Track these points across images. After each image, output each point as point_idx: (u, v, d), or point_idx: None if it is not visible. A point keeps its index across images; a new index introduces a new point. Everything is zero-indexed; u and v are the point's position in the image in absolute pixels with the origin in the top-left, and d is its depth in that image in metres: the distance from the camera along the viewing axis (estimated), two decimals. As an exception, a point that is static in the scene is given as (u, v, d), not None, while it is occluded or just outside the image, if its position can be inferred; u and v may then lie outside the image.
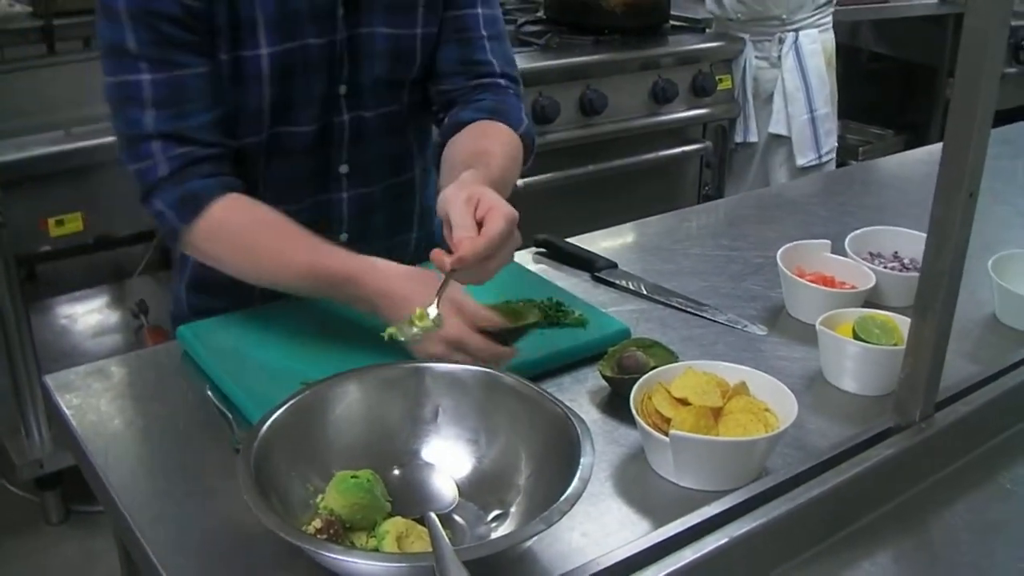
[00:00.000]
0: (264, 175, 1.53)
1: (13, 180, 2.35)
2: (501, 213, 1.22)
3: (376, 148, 1.60)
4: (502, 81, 1.62)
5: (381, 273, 1.34)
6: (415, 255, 1.66)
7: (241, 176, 1.48)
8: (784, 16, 3.34)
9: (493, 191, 1.27)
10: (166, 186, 1.40)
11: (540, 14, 3.56)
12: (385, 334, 1.24)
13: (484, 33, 1.62)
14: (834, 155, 3.47)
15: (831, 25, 3.45)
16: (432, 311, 1.22)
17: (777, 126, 3.43)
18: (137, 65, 1.38)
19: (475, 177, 1.32)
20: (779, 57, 3.38)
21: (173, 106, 1.39)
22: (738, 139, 3.52)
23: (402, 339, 1.23)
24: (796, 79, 3.36)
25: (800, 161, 3.40)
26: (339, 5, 1.47)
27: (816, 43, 3.37)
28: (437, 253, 1.21)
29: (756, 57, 3.42)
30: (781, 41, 3.37)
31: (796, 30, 3.35)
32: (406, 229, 1.71)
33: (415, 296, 1.26)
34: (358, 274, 1.34)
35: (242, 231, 1.43)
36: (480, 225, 1.22)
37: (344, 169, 1.58)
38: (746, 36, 3.42)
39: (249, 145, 1.50)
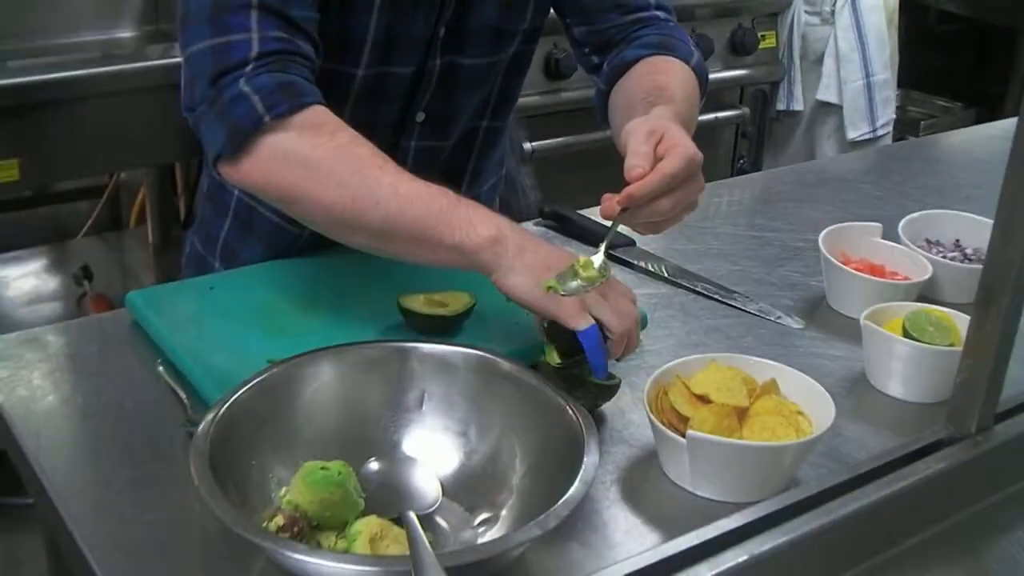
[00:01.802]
0: (349, 113, 1.51)
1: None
2: (681, 151, 1.27)
3: (458, 99, 1.63)
4: (660, 13, 1.66)
5: (499, 218, 1.30)
6: None
7: None
8: None
9: (681, 128, 1.31)
10: (258, 69, 1.32)
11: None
12: (543, 286, 1.22)
13: None
14: (891, 128, 3.48)
15: None
16: (598, 260, 1.23)
17: (827, 92, 3.43)
18: None
19: (663, 112, 1.37)
20: (832, 12, 3.38)
21: None
22: (780, 107, 3.52)
23: (562, 293, 1.21)
24: (851, 38, 3.36)
25: (851, 134, 3.41)
26: None
27: None
28: (607, 197, 1.25)
29: (807, 11, 3.42)
30: None
31: None
32: (455, 187, 1.71)
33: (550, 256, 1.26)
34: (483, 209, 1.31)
35: (347, 140, 1.34)
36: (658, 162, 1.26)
37: (420, 117, 1.61)
38: None
39: (343, 80, 1.51)
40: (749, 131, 3.58)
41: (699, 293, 1.61)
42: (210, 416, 1.08)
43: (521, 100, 2.90)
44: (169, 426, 1.25)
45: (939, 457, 1.20)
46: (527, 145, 3.03)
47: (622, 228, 1.63)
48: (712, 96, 3.38)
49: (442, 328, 1.36)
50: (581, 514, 1.02)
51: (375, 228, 1.31)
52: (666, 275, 1.65)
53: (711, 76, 3.27)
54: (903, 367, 1.38)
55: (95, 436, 1.27)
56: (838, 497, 1.13)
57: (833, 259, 1.58)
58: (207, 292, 1.48)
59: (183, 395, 1.29)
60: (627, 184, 1.26)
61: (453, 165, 1.71)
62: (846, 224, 1.65)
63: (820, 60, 3.44)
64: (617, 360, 1.27)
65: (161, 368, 1.34)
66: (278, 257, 1.60)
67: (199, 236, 1.77)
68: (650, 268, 1.67)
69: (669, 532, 1.11)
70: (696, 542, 1.05)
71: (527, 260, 1.24)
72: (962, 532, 1.21)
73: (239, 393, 1.12)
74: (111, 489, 1.17)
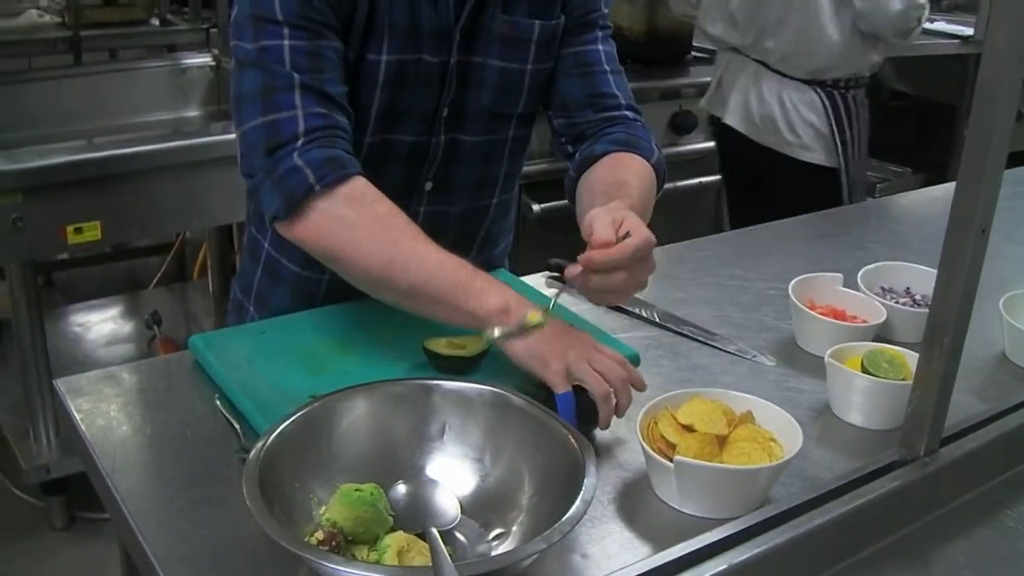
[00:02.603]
0: None
1: (34, 187, 2.37)
2: (642, 233, 1.28)
3: (464, 172, 1.63)
4: (629, 114, 1.65)
5: (508, 291, 1.31)
6: None
7: None
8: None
9: (637, 218, 1.32)
10: (308, 144, 1.35)
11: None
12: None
13: (607, 68, 1.65)
14: None
15: None
16: (539, 312, 1.26)
17: None
18: (280, 31, 1.38)
19: (620, 205, 1.36)
20: None
21: (312, 71, 1.38)
22: None
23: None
24: None
25: None
26: (456, 30, 1.50)
27: None
28: (574, 266, 1.26)
29: None
30: None
31: None
32: (466, 251, 1.67)
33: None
34: (497, 284, 1.32)
35: (386, 211, 1.36)
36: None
37: (428, 186, 1.61)
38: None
39: (354, 146, 1.49)
40: (729, 194, 3.58)
41: (685, 335, 1.61)
42: (260, 444, 1.08)
43: (531, 168, 2.95)
44: (225, 453, 1.25)
45: (892, 477, 1.19)
46: (536, 207, 3.04)
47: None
48: (696, 164, 3.42)
49: (461, 368, 1.35)
50: (582, 529, 1.01)
51: (403, 290, 1.33)
52: (656, 320, 1.64)
53: (696, 146, 3.32)
54: (862, 399, 1.37)
55: (162, 461, 1.27)
56: (806, 513, 1.12)
57: (801, 305, 1.57)
58: (259, 336, 1.47)
59: (237, 426, 1.28)
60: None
61: (466, 231, 1.70)
62: (812, 275, 1.65)
63: None
64: (617, 417, 1.27)
65: (218, 402, 1.34)
66: (304, 303, 1.60)
67: (239, 285, 1.76)
68: (642, 314, 1.66)
69: (659, 545, 1.10)
70: (682, 553, 1.04)
71: (543, 332, 1.27)
72: (913, 542, 1.20)
73: (285, 424, 1.11)
74: (174, 507, 1.16)
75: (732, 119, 2.95)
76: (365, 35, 1.45)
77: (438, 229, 1.59)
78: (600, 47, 1.65)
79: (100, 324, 3.44)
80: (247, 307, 1.72)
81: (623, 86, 1.66)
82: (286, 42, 1.38)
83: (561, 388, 1.24)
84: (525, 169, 2.87)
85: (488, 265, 1.73)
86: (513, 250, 3.10)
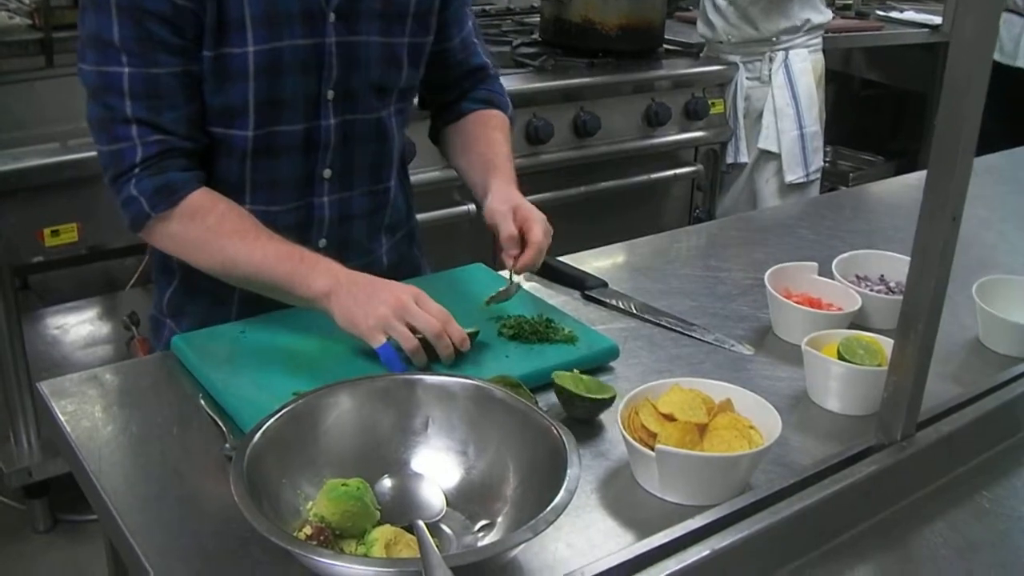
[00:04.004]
0: (251, 174, 1.57)
1: (9, 190, 2.36)
2: (538, 221, 1.56)
3: (360, 154, 1.64)
4: (491, 71, 1.83)
5: (337, 269, 1.44)
6: (388, 270, 1.70)
7: (227, 176, 1.55)
8: (773, 38, 3.38)
9: (525, 202, 1.60)
10: (142, 173, 1.45)
11: (536, 36, 3.60)
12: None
13: (475, 41, 1.78)
14: (819, 176, 3.51)
15: (821, 47, 3.49)
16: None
17: (767, 142, 3.45)
18: (119, 57, 1.43)
19: (506, 182, 1.65)
20: (769, 75, 3.41)
21: (148, 99, 1.44)
22: (729, 160, 3.55)
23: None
24: (786, 96, 3.40)
25: (789, 177, 3.43)
26: (330, 11, 1.51)
27: (806, 62, 3.41)
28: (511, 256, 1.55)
29: (747, 78, 3.45)
30: (771, 60, 3.41)
31: (786, 49, 3.39)
32: (377, 241, 1.75)
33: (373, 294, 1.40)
34: (329, 263, 1.43)
35: (221, 220, 1.48)
36: (521, 231, 1.54)
37: (327, 173, 1.62)
38: (737, 58, 3.46)
39: (237, 141, 1.53)
40: (703, 185, 3.60)
41: (663, 326, 1.62)
42: (246, 441, 1.09)
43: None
44: (210, 451, 1.26)
45: (870, 462, 1.21)
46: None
47: (594, 271, 1.67)
48: (670, 155, 3.44)
49: (592, 411, 1.34)
50: (566, 519, 1.02)
51: (244, 282, 1.51)
52: (635, 311, 1.66)
53: (670, 138, 3.36)
54: (838, 385, 1.39)
55: (148, 460, 1.27)
56: (786, 498, 1.13)
57: (777, 294, 1.59)
58: (239, 336, 1.48)
59: (222, 425, 1.29)
60: (503, 246, 1.55)
61: (372, 219, 1.72)
62: (787, 264, 1.67)
63: (760, 117, 3.47)
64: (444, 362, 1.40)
65: (202, 401, 1.34)
66: (220, 310, 1.63)
67: (155, 302, 1.77)
68: (621, 306, 1.67)
69: (642, 532, 1.12)
70: (665, 540, 1.06)
71: (358, 298, 1.39)
72: (891, 525, 1.21)
73: (270, 422, 1.12)
74: (163, 505, 1.17)
75: None
76: (220, 32, 1.46)
77: (346, 218, 1.66)
78: (470, 23, 1.77)
79: (78, 326, 3.42)
80: (164, 322, 1.71)
81: (482, 43, 1.82)
82: (125, 69, 1.43)
83: (375, 343, 1.37)
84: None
85: (398, 251, 1.79)
86: (490, 247, 3.12)
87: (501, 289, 1.57)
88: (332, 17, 1.52)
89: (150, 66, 1.43)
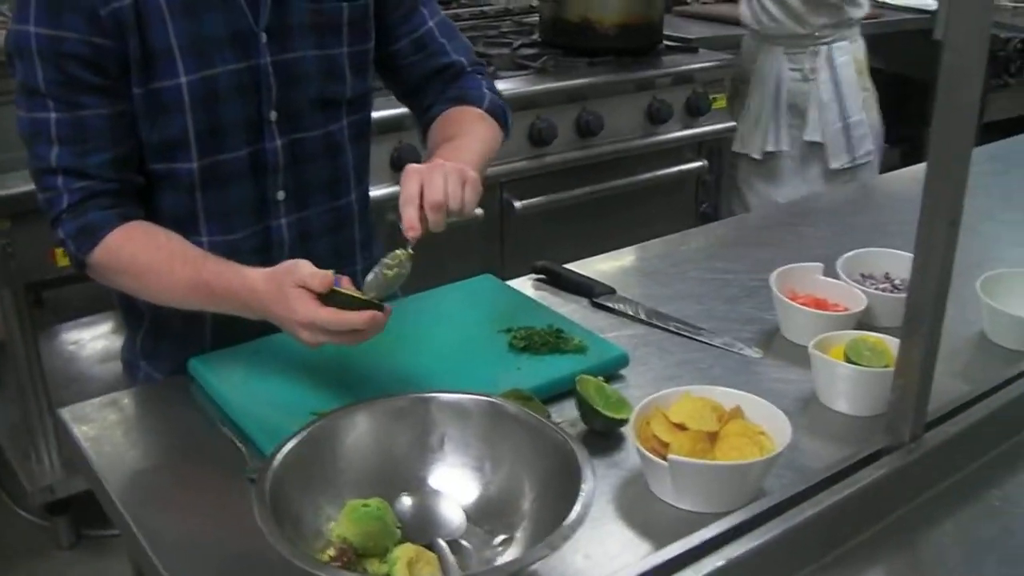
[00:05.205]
0: (202, 205, 1.55)
1: (22, 212, 2.38)
2: (440, 174, 1.36)
3: (313, 172, 1.62)
4: (467, 68, 1.75)
5: (249, 279, 1.38)
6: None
7: (176, 210, 1.54)
8: (816, 33, 3.45)
9: (454, 162, 1.40)
10: (67, 218, 1.46)
11: (535, 37, 3.60)
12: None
13: (442, 39, 1.72)
14: (871, 158, 3.60)
15: (860, 35, 3.58)
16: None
17: (813, 134, 3.53)
18: (45, 103, 1.43)
19: (451, 149, 1.52)
20: (812, 70, 3.49)
21: (75, 144, 1.44)
22: (770, 148, 3.59)
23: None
24: (830, 90, 3.49)
25: (833, 164, 3.52)
26: (261, 31, 1.50)
27: (847, 55, 3.50)
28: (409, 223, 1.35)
29: (790, 69, 3.52)
30: (815, 55, 3.48)
31: (829, 43, 3.47)
32: (349, 260, 1.71)
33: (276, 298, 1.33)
34: (234, 283, 1.39)
35: (135, 256, 1.47)
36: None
37: (281, 195, 1.60)
38: (781, 48, 3.52)
39: (182, 174, 1.51)
40: (708, 179, 3.61)
41: (672, 332, 1.63)
42: (268, 464, 1.11)
43: (509, 164, 2.97)
44: (231, 473, 1.28)
45: (880, 464, 1.22)
46: (517, 204, 3.06)
47: (601, 276, 1.68)
48: (674, 152, 3.45)
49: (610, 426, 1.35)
50: (583, 531, 1.04)
51: (178, 305, 1.49)
52: (643, 317, 1.67)
53: (673, 135, 3.34)
54: (846, 388, 1.41)
55: (171, 482, 1.30)
56: (798, 504, 1.15)
57: (783, 296, 1.60)
58: (254, 356, 1.49)
59: (242, 447, 1.31)
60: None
61: (338, 237, 1.70)
62: (793, 265, 1.68)
63: (795, 107, 3.53)
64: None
65: (221, 424, 1.37)
66: (192, 349, 1.56)
67: (125, 348, 1.76)
68: (629, 312, 1.69)
69: (659, 541, 1.13)
70: (681, 550, 1.07)
71: (276, 318, 1.34)
72: (901, 526, 1.23)
73: (291, 444, 1.14)
74: (186, 526, 1.19)
75: None
76: (147, 66, 1.44)
77: (306, 239, 1.63)
78: (430, 23, 1.71)
79: (93, 341, 3.44)
80: (139, 364, 1.70)
81: (461, 47, 1.75)
82: (52, 115, 1.44)
83: (312, 346, 1.31)
84: (504, 167, 2.94)
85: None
86: (498, 251, 3.13)
87: (379, 269, 1.35)
88: (264, 37, 1.50)
89: (75, 109, 1.43)
